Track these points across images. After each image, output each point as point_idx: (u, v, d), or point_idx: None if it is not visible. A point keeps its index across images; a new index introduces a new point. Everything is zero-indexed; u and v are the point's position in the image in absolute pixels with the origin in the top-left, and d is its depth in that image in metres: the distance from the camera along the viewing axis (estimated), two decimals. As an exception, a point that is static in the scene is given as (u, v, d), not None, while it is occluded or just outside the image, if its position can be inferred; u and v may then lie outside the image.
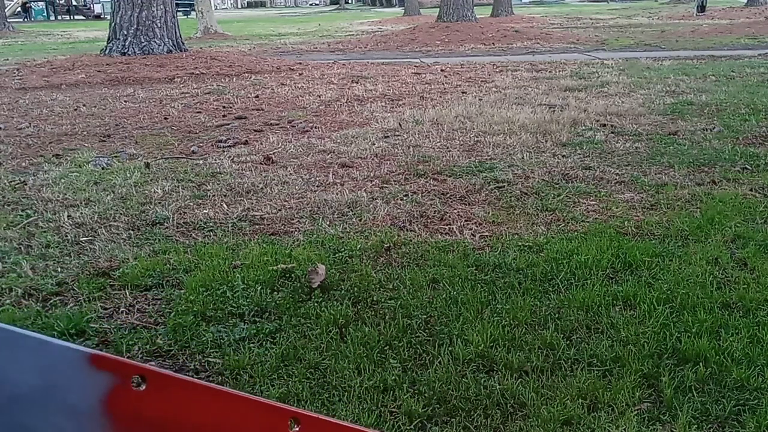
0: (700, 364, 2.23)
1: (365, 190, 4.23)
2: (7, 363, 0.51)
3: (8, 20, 26.24)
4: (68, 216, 3.83)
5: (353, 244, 3.32)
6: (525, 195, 4.09)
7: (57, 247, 3.40)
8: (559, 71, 9.66)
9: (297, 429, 0.64)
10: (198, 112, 7.08)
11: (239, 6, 60.66)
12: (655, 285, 2.81)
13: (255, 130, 6.14)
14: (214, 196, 4.19)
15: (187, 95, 8.20)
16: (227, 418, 0.61)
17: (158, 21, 11.32)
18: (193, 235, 3.56)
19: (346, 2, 53.10)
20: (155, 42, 11.33)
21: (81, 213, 3.88)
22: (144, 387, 0.56)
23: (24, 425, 0.51)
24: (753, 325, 2.48)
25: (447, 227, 3.60)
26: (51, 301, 2.83)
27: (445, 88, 8.33)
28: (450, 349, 2.37)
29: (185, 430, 0.58)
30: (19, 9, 36.92)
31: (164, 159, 5.16)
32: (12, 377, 0.51)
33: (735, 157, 4.76)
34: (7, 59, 13.51)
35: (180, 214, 3.87)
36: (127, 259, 3.22)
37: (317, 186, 4.35)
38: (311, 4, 58.65)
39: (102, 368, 0.55)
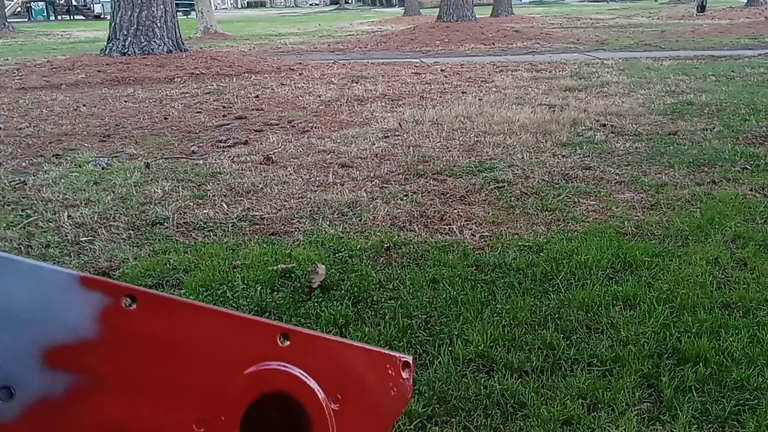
0: (700, 364, 2.23)
1: (365, 190, 4.23)
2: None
3: (8, 20, 26.24)
4: (68, 216, 3.83)
5: (353, 244, 3.32)
6: (525, 195, 4.09)
7: (57, 247, 3.41)
8: (559, 71, 9.66)
9: (288, 344, 0.65)
10: (198, 112, 7.08)
11: (239, 6, 60.65)
12: (655, 285, 2.81)
13: (255, 130, 6.14)
14: (214, 196, 4.19)
15: (187, 95, 8.20)
16: (218, 334, 0.62)
17: (158, 21, 11.32)
18: (193, 235, 3.57)
19: (346, 2, 53.10)
20: (155, 42, 11.33)
21: (81, 213, 3.88)
22: (135, 306, 0.57)
23: (16, 345, 0.52)
24: (753, 325, 2.48)
25: (447, 227, 3.60)
26: (51, 301, 2.83)
27: (445, 88, 8.33)
28: (450, 349, 2.37)
29: (177, 347, 0.59)
30: (19, 9, 36.92)
31: (164, 159, 5.16)
32: (3, 300, 0.52)
33: (735, 157, 4.76)
34: (7, 59, 13.51)
35: (180, 214, 3.87)
36: (127, 259, 3.22)
37: (317, 186, 4.35)
38: (311, 4, 58.64)
39: (92, 288, 0.56)
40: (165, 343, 0.59)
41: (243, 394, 0.61)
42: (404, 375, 0.74)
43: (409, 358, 0.75)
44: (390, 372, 0.73)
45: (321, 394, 0.66)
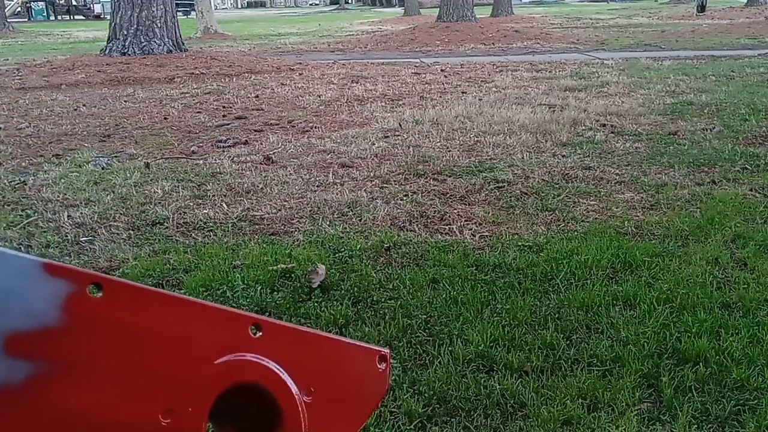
0: (700, 364, 2.23)
1: (365, 190, 4.23)
2: None
3: (8, 20, 26.24)
4: (68, 216, 3.83)
5: (353, 244, 3.32)
6: (525, 195, 4.09)
7: (57, 247, 3.41)
8: (559, 71, 9.66)
9: (259, 335, 0.64)
10: (198, 112, 7.08)
11: (239, 6, 60.65)
12: (655, 285, 2.81)
13: (255, 130, 6.14)
14: (214, 196, 4.19)
15: (187, 95, 8.20)
16: (187, 324, 0.61)
17: (158, 21, 11.32)
18: (193, 235, 3.57)
19: (346, 2, 53.10)
20: (155, 42, 11.33)
21: (81, 213, 3.88)
22: (100, 295, 0.56)
23: None
24: (753, 325, 2.48)
25: (447, 227, 3.60)
26: (51, 301, 2.83)
27: (445, 88, 8.33)
28: (450, 349, 2.37)
29: (144, 336, 0.58)
30: (19, 9, 36.92)
31: (164, 159, 5.16)
32: None
33: (735, 157, 4.76)
34: (7, 59, 13.51)
35: (180, 214, 3.87)
36: (127, 259, 3.22)
37: (317, 186, 4.35)
38: (311, 4, 58.64)
39: (56, 275, 0.55)
40: (131, 332, 0.57)
41: (212, 385, 0.60)
42: (380, 367, 0.73)
43: (386, 351, 0.74)
44: (366, 363, 0.73)
45: (293, 386, 0.65)
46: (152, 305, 0.59)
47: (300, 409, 0.65)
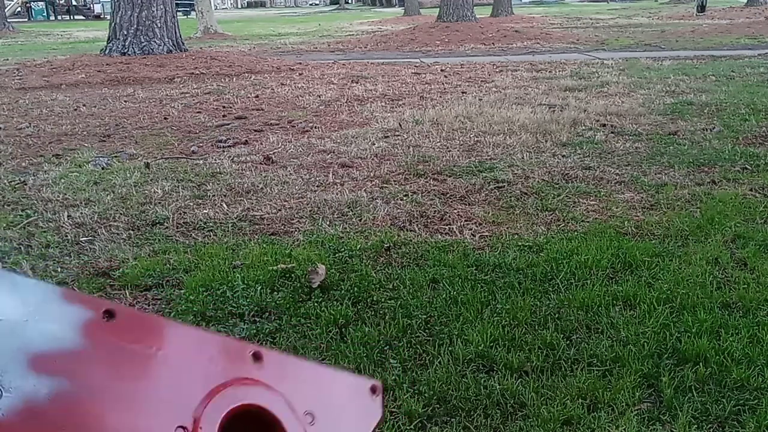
0: (700, 364, 2.23)
1: (365, 190, 4.23)
2: None
3: (8, 20, 26.23)
4: (68, 216, 3.83)
5: (353, 244, 3.32)
6: (525, 195, 4.09)
7: (57, 247, 3.41)
8: (559, 71, 9.66)
9: (259, 363, 0.68)
10: (198, 112, 7.08)
11: (239, 6, 60.65)
12: (655, 285, 2.81)
13: (255, 130, 6.14)
14: (214, 196, 4.19)
15: (187, 95, 8.20)
16: (191, 350, 0.65)
17: (158, 21, 11.32)
18: (193, 235, 3.56)
19: (346, 2, 53.09)
20: (155, 42, 11.33)
21: (81, 213, 3.88)
22: (114, 321, 0.60)
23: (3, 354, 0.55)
24: (753, 325, 2.48)
25: (447, 227, 3.60)
26: (51, 301, 2.83)
27: (445, 88, 8.33)
28: (450, 349, 2.37)
29: (153, 361, 0.62)
30: (19, 9, 36.92)
31: (164, 159, 5.16)
32: None
33: (735, 157, 4.76)
34: (7, 59, 13.51)
35: (180, 214, 3.87)
36: (127, 259, 3.22)
37: (317, 186, 4.35)
38: (311, 4, 58.63)
39: (72, 303, 0.60)
40: (141, 358, 0.61)
41: (220, 407, 0.63)
42: (373, 396, 0.76)
43: (378, 383, 0.77)
44: (359, 392, 0.76)
45: (295, 411, 0.68)
46: (161, 332, 0.64)
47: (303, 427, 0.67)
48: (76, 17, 38.65)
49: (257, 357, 0.67)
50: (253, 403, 0.65)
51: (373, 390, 0.76)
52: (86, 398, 0.57)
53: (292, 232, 3.57)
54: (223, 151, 5.34)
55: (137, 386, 0.60)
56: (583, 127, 5.85)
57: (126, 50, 11.23)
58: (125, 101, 7.87)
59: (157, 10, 11.27)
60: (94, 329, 0.59)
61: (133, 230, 3.64)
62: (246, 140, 5.71)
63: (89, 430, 0.57)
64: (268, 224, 3.69)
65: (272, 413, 0.65)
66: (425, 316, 2.61)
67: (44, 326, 0.56)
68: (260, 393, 0.66)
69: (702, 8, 23.51)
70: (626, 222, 3.58)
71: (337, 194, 4.13)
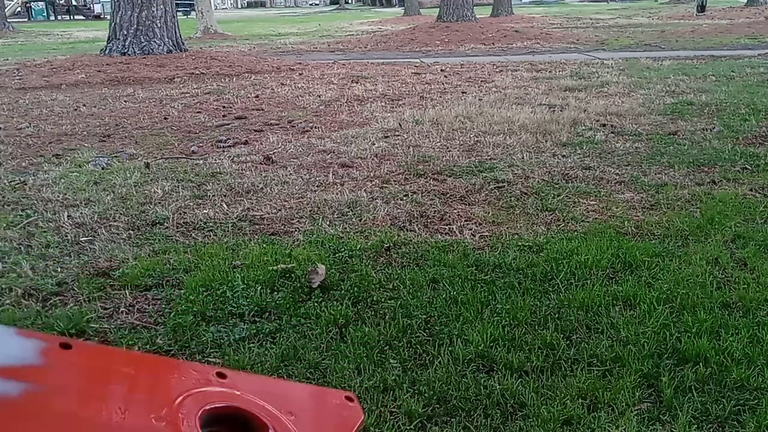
0: (700, 364, 2.23)
1: (365, 190, 4.23)
2: None
3: (8, 20, 26.23)
4: (68, 216, 3.83)
5: (353, 244, 3.32)
6: (525, 195, 4.09)
7: (57, 247, 3.41)
8: (559, 71, 9.66)
9: (223, 381, 0.70)
10: (198, 112, 7.08)
11: (239, 6, 60.65)
12: (655, 285, 2.81)
13: (255, 130, 6.14)
14: (214, 196, 4.19)
15: (187, 95, 8.20)
16: (153, 377, 0.68)
17: (158, 21, 11.32)
18: (193, 235, 3.56)
19: (346, 2, 53.10)
20: (155, 42, 11.33)
21: (81, 213, 3.88)
22: (69, 351, 0.64)
23: None
24: (753, 325, 2.48)
25: (447, 227, 3.60)
26: (51, 301, 2.83)
27: (445, 88, 8.33)
28: (450, 349, 2.37)
29: (110, 391, 0.64)
30: (19, 9, 36.91)
31: (164, 159, 5.16)
32: None
33: (735, 157, 4.76)
34: (7, 59, 13.51)
35: (180, 214, 3.87)
36: (127, 259, 3.22)
37: (317, 186, 4.35)
38: (311, 4, 58.64)
39: (29, 337, 0.64)
40: (99, 388, 0.64)
41: (189, 411, 0.65)
42: (350, 404, 0.82)
43: (352, 393, 0.83)
44: (334, 400, 0.81)
45: (271, 407, 0.70)
46: (118, 361, 0.68)
47: (286, 420, 0.69)
48: (76, 17, 38.66)
49: (221, 375, 0.69)
50: (230, 405, 0.66)
51: (349, 399, 0.81)
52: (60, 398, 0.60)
53: (292, 232, 3.57)
54: (223, 151, 5.34)
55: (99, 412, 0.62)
56: (583, 127, 5.85)
57: (126, 50, 11.23)
58: (125, 101, 7.87)
59: (157, 10, 11.27)
60: (51, 360, 0.62)
61: (133, 230, 3.64)
62: (246, 140, 5.71)
63: (70, 423, 0.60)
64: (268, 224, 3.69)
65: (247, 412, 0.67)
66: (425, 316, 2.61)
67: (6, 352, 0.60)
68: (228, 395, 0.68)
69: (702, 8, 23.52)
70: (626, 222, 3.58)
71: (337, 194, 4.13)
